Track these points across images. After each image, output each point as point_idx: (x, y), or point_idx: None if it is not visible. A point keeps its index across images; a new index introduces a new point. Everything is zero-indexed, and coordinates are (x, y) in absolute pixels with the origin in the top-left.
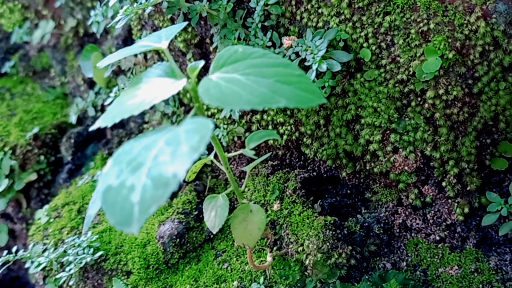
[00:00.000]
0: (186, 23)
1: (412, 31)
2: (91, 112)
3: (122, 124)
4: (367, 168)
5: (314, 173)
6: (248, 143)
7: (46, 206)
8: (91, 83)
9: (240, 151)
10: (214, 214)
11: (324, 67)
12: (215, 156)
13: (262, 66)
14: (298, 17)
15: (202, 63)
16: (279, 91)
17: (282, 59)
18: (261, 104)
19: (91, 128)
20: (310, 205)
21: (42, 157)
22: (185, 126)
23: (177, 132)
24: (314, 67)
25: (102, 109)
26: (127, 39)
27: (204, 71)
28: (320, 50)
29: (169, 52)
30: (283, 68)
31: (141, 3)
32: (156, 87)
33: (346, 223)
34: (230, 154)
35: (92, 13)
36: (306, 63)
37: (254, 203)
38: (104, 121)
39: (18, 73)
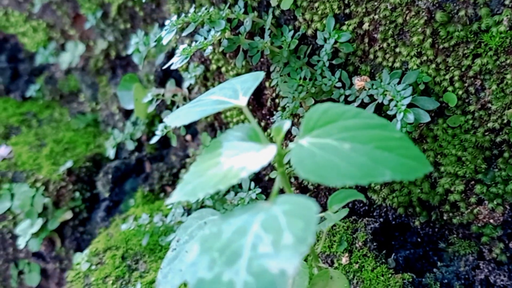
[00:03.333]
0: (262, 75)
1: (508, 76)
2: (129, 145)
3: (161, 157)
4: (444, 218)
5: (381, 220)
6: (331, 205)
7: (86, 251)
8: (126, 112)
9: (320, 214)
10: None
11: (411, 118)
12: None
13: (357, 128)
14: (371, 56)
15: (288, 124)
16: (381, 160)
17: (377, 118)
18: (364, 178)
19: (167, 202)
20: (383, 260)
21: (77, 193)
22: (281, 205)
23: (273, 214)
24: (399, 117)
25: (139, 142)
26: (168, 69)
27: (257, 106)
28: (405, 98)
29: (249, 112)
30: (381, 130)
31: (200, 42)
32: (241, 156)
33: (424, 279)
34: None
35: (133, 41)
36: (389, 112)
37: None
38: (183, 195)
39: (44, 96)
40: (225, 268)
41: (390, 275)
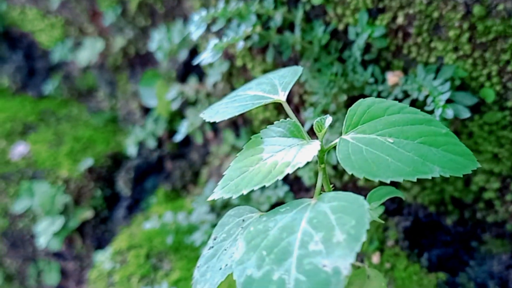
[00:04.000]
0: (301, 70)
1: None
2: (151, 143)
3: (182, 154)
4: (478, 216)
5: (411, 218)
6: (369, 202)
7: (109, 250)
8: (146, 110)
9: None
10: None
11: (450, 113)
12: None
13: (402, 123)
14: (404, 51)
15: (330, 120)
16: (428, 156)
17: (421, 113)
18: (414, 175)
19: (210, 198)
20: (416, 259)
21: (98, 192)
22: (329, 202)
23: (321, 211)
24: (437, 113)
25: (161, 140)
26: (189, 64)
27: None
28: (443, 93)
29: (289, 107)
30: (426, 126)
31: (232, 38)
32: (284, 152)
33: (457, 279)
34: None
35: (156, 37)
36: (426, 108)
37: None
38: (226, 192)
39: (61, 94)
40: (274, 266)
41: (423, 274)
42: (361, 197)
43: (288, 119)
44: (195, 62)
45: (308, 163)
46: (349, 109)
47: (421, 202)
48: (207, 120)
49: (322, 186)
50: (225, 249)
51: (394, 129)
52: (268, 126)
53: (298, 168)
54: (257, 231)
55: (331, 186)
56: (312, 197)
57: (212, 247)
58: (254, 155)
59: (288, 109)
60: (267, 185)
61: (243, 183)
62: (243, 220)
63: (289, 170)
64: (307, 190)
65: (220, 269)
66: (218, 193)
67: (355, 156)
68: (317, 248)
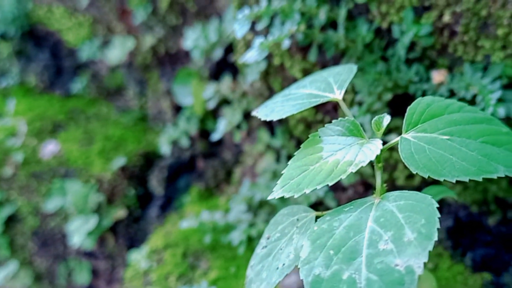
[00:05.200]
0: (356, 68)
1: None
2: (184, 142)
3: (214, 153)
4: None
5: (451, 217)
6: None
7: (146, 249)
8: (177, 108)
9: None
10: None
11: (502, 112)
12: None
13: (463, 122)
14: (450, 50)
15: (388, 119)
16: (492, 155)
17: (481, 112)
18: (479, 174)
19: (270, 197)
20: (459, 258)
21: (131, 191)
22: (395, 201)
23: (388, 209)
24: (489, 112)
25: (193, 139)
26: (222, 63)
27: None
28: (493, 92)
29: (346, 106)
30: (487, 125)
31: (278, 36)
32: (345, 150)
33: (501, 279)
34: None
35: (191, 36)
36: (476, 107)
37: None
38: (287, 191)
39: (89, 93)
40: (343, 265)
41: (468, 274)
42: (429, 196)
43: (347, 117)
44: (241, 60)
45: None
46: (408, 107)
47: (462, 201)
48: (262, 119)
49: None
50: (281, 248)
51: (456, 128)
52: (326, 125)
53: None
54: (322, 230)
55: (385, 185)
56: (374, 196)
57: (266, 246)
58: (314, 153)
59: (345, 108)
60: (330, 184)
61: (305, 182)
62: (297, 220)
63: (352, 169)
64: (344, 189)
65: (277, 268)
66: (278, 192)
67: (418, 155)
68: (388, 247)
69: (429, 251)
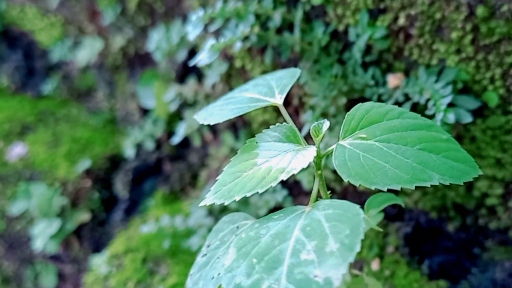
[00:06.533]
0: (299, 72)
1: None
2: (149, 145)
3: (181, 156)
4: (480, 223)
5: (413, 224)
6: (368, 209)
7: (106, 253)
8: (145, 110)
9: None
10: None
11: (451, 118)
12: None
13: (401, 129)
14: (406, 53)
15: (327, 124)
16: (428, 162)
17: (422, 118)
18: (412, 182)
19: (201, 204)
20: (416, 266)
21: (95, 194)
22: (324, 209)
23: (316, 218)
24: (438, 117)
25: (159, 142)
26: (188, 65)
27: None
28: (445, 97)
29: (286, 111)
30: (427, 131)
31: (229, 38)
32: (279, 157)
33: (459, 286)
34: None
35: (155, 37)
36: (427, 112)
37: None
38: (218, 198)
39: (60, 94)
40: (265, 275)
41: (424, 282)
42: (357, 206)
43: (284, 123)
44: (191, 63)
45: (308, 167)
46: (347, 113)
47: (422, 207)
48: (201, 123)
49: (319, 192)
50: (218, 257)
51: (393, 134)
52: (263, 131)
53: (293, 174)
54: (248, 238)
55: (329, 192)
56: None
57: (206, 254)
58: (249, 160)
59: (284, 113)
60: (260, 191)
61: (236, 188)
62: (237, 227)
63: (284, 177)
64: (307, 194)
65: (213, 278)
66: (210, 199)
67: (352, 163)
68: (309, 257)
69: (350, 263)
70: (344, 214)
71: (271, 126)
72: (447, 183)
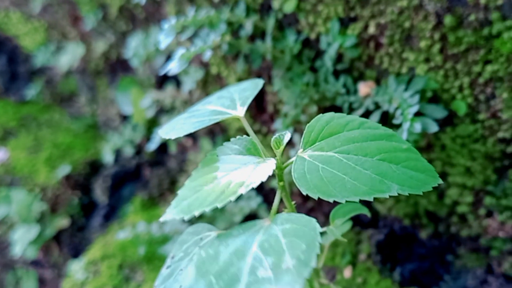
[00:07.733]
0: (261, 83)
1: None
2: (128, 151)
3: (160, 162)
4: (452, 230)
5: (386, 231)
6: (333, 219)
7: (84, 260)
8: (125, 116)
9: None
10: None
11: (418, 127)
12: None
13: (361, 140)
14: (377, 61)
15: (288, 136)
16: (387, 173)
17: (382, 128)
18: (370, 194)
19: (162, 219)
20: (388, 273)
21: (75, 200)
22: (282, 224)
23: (273, 234)
24: (405, 126)
25: (139, 147)
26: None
27: (258, 111)
28: (412, 106)
29: (247, 123)
30: (387, 141)
31: (199, 47)
32: (239, 171)
33: None
34: None
35: (133, 43)
36: (395, 121)
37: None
38: (178, 212)
39: (43, 98)
40: None
41: None
42: (313, 220)
43: (244, 136)
44: (162, 72)
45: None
46: (307, 125)
47: (396, 214)
48: (163, 137)
49: (283, 203)
50: (181, 269)
51: (353, 145)
52: (224, 143)
53: (262, 182)
54: (208, 256)
55: (293, 202)
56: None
57: (170, 266)
58: (209, 173)
59: (246, 125)
60: (219, 206)
61: (196, 203)
62: (201, 239)
63: (243, 191)
64: (282, 201)
65: None
66: (170, 214)
67: (310, 175)
68: (266, 275)
69: (306, 278)
70: (300, 229)
71: (231, 139)
72: (406, 193)
